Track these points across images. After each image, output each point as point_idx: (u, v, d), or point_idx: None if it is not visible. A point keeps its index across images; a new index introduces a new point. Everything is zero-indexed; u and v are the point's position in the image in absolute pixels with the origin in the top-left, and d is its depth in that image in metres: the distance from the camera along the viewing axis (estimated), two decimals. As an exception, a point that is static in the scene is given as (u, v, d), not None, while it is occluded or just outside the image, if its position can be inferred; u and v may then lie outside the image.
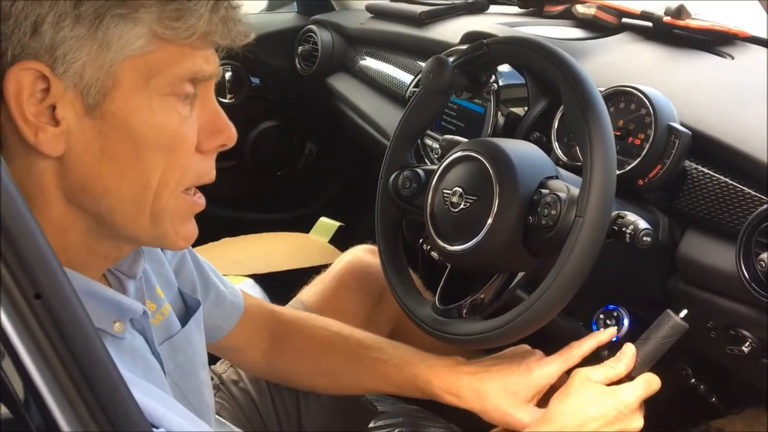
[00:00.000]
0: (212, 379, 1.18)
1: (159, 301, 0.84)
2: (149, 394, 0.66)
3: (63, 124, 0.63)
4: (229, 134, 0.72)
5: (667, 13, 1.36)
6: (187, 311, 0.91)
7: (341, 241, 1.87)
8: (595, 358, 0.97)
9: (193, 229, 0.73)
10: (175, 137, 0.67)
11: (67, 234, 0.67)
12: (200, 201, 0.73)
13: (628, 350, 0.94)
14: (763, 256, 0.86)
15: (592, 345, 0.97)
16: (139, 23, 0.63)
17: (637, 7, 1.43)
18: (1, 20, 0.60)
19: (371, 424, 1.23)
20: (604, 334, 0.97)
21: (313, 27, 2.02)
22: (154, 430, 0.60)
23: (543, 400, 0.96)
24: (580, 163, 0.91)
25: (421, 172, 1.08)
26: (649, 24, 1.40)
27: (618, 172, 0.86)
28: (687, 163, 1.03)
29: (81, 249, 0.69)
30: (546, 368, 0.95)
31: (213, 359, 1.15)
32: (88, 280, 0.70)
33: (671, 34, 1.36)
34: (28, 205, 0.62)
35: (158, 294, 0.85)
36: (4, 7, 0.60)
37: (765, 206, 0.89)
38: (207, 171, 0.72)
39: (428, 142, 1.42)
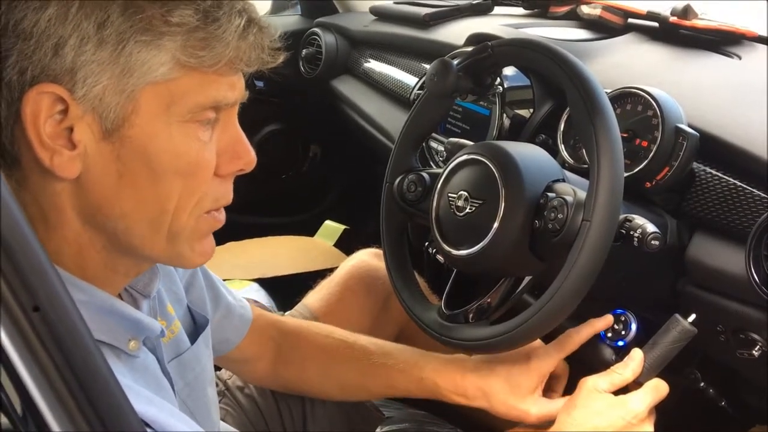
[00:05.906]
0: (217, 385, 1.18)
1: (169, 318, 0.84)
2: (162, 409, 0.66)
3: (80, 146, 0.62)
4: (248, 159, 0.71)
5: (673, 14, 1.35)
6: (195, 328, 0.90)
7: (346, 244, 1.87)
8: (602, 364, 0.96)
9: (210, 246, 0.72)
10: (194, 164, 0.66)
11: (84, 252, 0.67)
12: (220, 218, 0.72)
13: (636, 355, 0.93)
14: (773, 258, 0.86)
15: (589, 332, 0.97)
16: (163, 50, 0.61)
17: (643, 8, 1.42)
18: (22, 39, 0.59)
19: (377, 430, 1.22)
20: (601, 322, 0.98)
21: (316, 30, 2.02)
22: None
23: (547, 390, 0.99)
24: (586, 166, 0.90)
25: (426, 175, 1.07)
26: (656, 24, 1.39)
27: (625, 175, 0.85)
28: (695, 165, 1.02)
29: (99, 266, 0.68)
30: (543, 357, 0.97)
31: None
32: (109, 296, 0.69)
33: (678, 34, 1.35)
34: (43, 222, 0.64)
35: (169, 311, 0.84)
36: (26, 27, 0.59)
37: (775, 208, 0.88)
38: (224, 194, 0.71)
39: (433, 145, 1.42)
